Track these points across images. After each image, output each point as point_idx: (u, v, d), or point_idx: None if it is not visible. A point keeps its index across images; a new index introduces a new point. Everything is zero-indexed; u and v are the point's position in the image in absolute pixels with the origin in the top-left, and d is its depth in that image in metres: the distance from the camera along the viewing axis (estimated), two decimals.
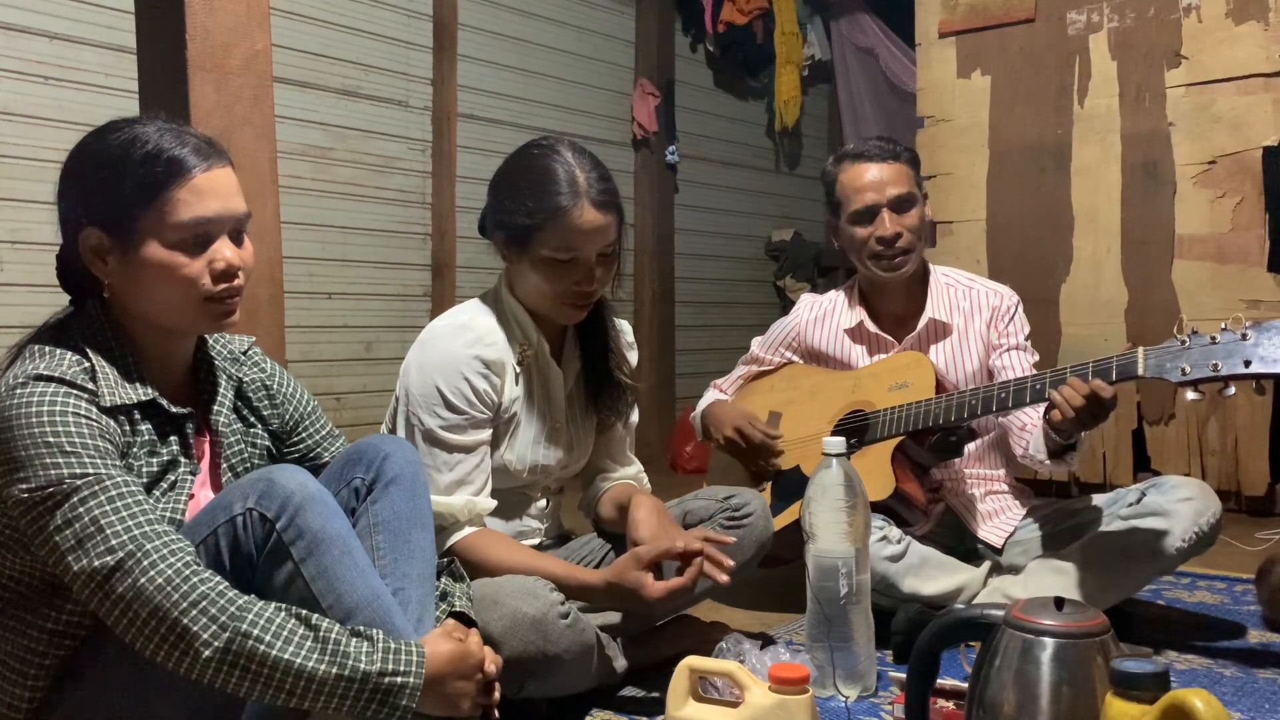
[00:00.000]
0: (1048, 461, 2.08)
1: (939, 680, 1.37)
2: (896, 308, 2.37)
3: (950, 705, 1.47)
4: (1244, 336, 1.74)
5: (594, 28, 4.99)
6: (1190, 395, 1.80)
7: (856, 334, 2.39)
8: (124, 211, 1.28)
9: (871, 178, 2.26)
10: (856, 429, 2.23)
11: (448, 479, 1.75)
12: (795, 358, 2.50)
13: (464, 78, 4.22)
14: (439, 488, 1.73)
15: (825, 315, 2.44)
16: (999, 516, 2.30)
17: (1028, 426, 2.17)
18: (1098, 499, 2.22)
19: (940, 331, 2.33)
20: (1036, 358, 2.31)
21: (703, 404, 2.54)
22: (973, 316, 2.32)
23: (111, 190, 1.28)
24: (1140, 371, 1.83)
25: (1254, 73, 3.30)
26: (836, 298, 2.45)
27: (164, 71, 2.03)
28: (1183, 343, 1.80)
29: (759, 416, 2.39)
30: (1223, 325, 1.78)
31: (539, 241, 1.75)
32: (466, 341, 1.78)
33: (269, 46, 2.13)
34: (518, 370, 1.83)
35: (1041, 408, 2.05)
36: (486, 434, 1.79)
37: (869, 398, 2.26)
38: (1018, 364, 2.26)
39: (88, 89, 3.26)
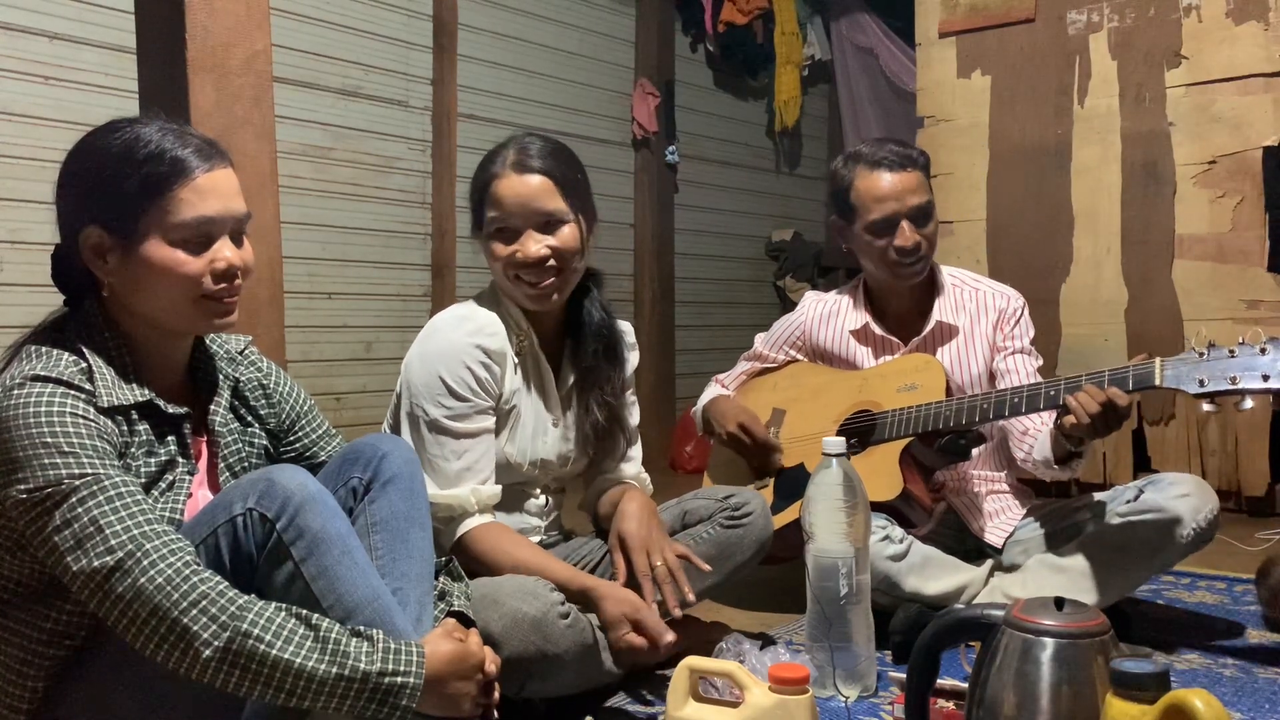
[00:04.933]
0: (1054, 467, 2.07)
1: (939, 680, 1.37)
2: (903, 310, 2.34)
3: (950, 705, 1.47)
4: (1263, 351, 1.74)
5: (594, 28, 4.99)
6: (1205, 407, 1.81)
7: (862, 336, 2.36)
8: (126, 210, 1.28)
9: (891, 187, 2.20)
10: (863, 429, 2.22)
11: (455, 467, 1.75)
12: (800, 356, 2.47)
13: (464, 78, 4.22)
14: (447, 477, 1.74)
15: (831, 315, 2.41)
16: (1000, 516, 2.29)
17: (1030, 431, 2.16)
18: (1097, 497, 2.22)
19: (947, 334, 2.31)
20: (1040, 362, 2.30)
21: (704, 399, 2.52)
22: (979, 318, 2.30)
23: (114, 189, 1.28)
24: (1157, 382, 1.83)
25: (1254, 73, 3.30)
26: (841, 299, 2.42)
27: (164, 71, 2.03)
28: (1200, 354, 1.80)
29: (762, 413, 2.38)
30: (1240, 339, 1.78)
31: (482, 220, 1.80)
32: (468, 331, 1.79)
33: (269, 46, 2.13)
34: (516, 361, 1.84)
35: (1047, 415, 2.04)
36: (490, 421, 1.80)
37: (876, 398, 2.24)
38: (1022, 368, 2.25)
39: (88, 89, 3.26)
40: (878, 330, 2.34)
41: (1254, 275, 3.32)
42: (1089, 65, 3.59)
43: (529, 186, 1.77)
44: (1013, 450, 2.23)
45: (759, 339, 2.55)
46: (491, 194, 1.78)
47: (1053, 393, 1.95)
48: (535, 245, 1.77)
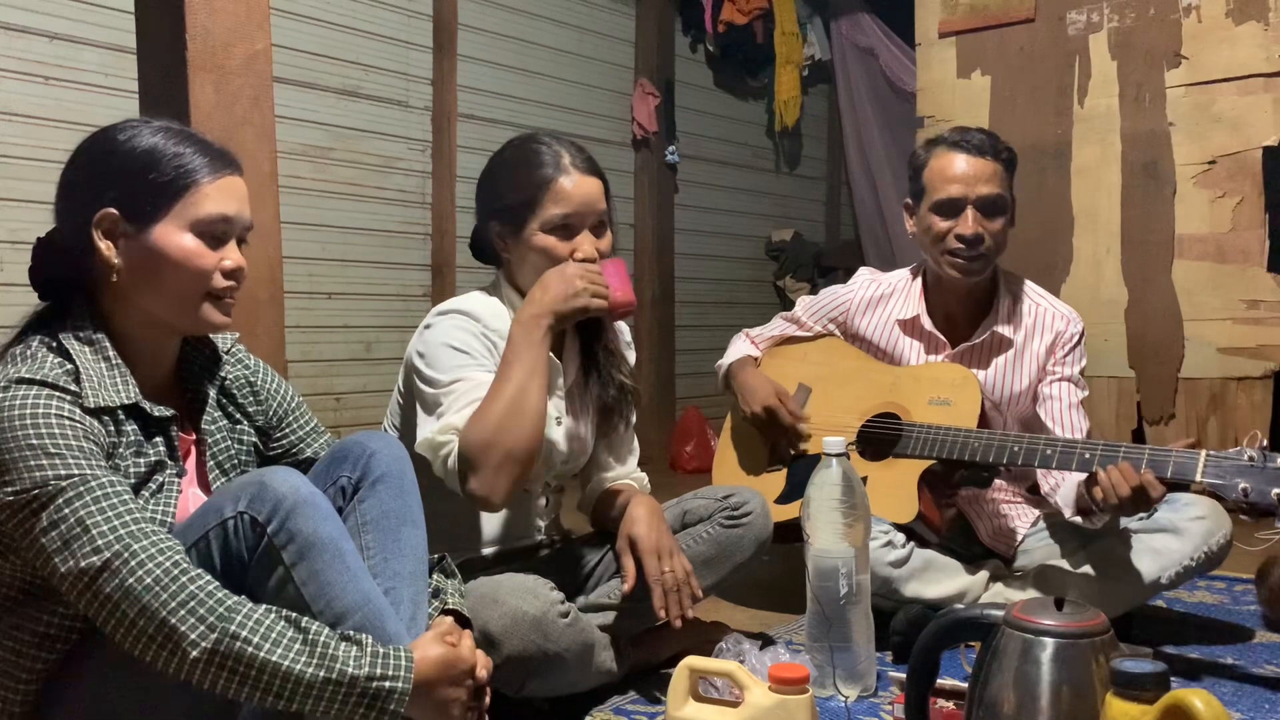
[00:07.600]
0: (1076, 518, 2.01)
1: (939, 680, 1.37)
2: (959, 310, 2.25)
3: (950, 705, 1.48)
4: None
5: (594, 28, 4.99)
6: (1242, 517, 1.72)
7: (910, 327, 2.27)
8: (151, 197, 1.30)
9: (963, 170, 2.12)
10: (887, 434, 2.17)
11: (460, 404, 1.67)
12: (837, 331, 2.39)
13: (464, 78, 4.22)
14: (449, 414, 1.67)
15: (881, 299, 2.31)
16: (1010, 524, 2.26)
17: None
18: None
19: (999, 345, 2.21)
20: (1086, 393, 2.21)
21: (732, 354, 2.46)
22: (1034, 335, 2.21)
23: (142, 178, 1.30)
24: (1197, 477, 1.72)
25: (1254, 73, 3.30)
26: (897, 281, 2.32)
27: (164, 71, 2.03)
28: (1251, 460, 1.67)
29: (788, 385, 2.33)
30: None
31: (535, 216, 1.77)
32: (473, 314, 1.78)
33: (269, 46, 2.12)
34: None
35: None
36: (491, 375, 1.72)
37: (906, 404, 2.17)
38: (1065, 396, 2.16)
39: (88, 89, 3.26)
40: (928, 325, 2.24)
41: (1254, 275, 3.32)
42: (1089, 65, 3.59)
43: (593, 187, 1.79)
44: (1039, 480, 2.17)
45: (801, 304, 2.46)
46: (557, 190, 1.76)
47: (1088, 456, 1.87)
48: (589, 246, 1.78)
